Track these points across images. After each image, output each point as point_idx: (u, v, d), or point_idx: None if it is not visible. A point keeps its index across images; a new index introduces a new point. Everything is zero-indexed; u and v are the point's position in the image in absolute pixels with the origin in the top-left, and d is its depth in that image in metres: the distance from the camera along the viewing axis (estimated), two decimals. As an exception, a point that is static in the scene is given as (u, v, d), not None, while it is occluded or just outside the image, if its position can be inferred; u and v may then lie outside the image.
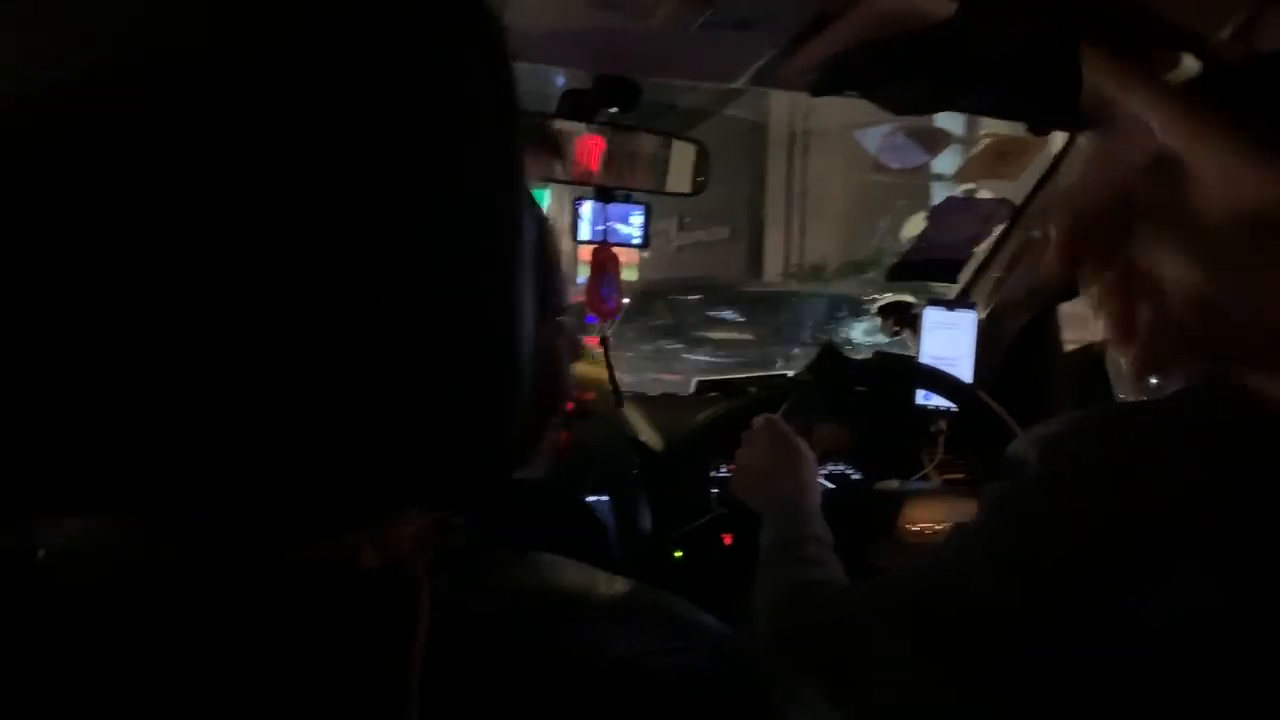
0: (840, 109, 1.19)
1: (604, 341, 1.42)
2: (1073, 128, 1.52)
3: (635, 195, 1.32)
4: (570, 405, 1.46)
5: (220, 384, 0.31)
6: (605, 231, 1.28)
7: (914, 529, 1.38)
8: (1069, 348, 1.83)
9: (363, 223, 0.32)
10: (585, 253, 1.34)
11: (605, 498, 1.47)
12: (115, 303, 0.30)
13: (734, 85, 1.17)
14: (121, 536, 0.36)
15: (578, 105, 1.19)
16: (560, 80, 1.24)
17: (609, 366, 1.47)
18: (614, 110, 1.21)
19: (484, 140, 0.36)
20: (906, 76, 1.16)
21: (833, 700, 0.81)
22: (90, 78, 0.29)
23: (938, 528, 1.37)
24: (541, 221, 0.46)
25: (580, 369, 1.47)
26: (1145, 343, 0.81)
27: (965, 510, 1.37)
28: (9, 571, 0.35)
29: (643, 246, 1.35)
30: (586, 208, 1.28)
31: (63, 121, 0.29)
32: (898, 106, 1.23)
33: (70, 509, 0.35)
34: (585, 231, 1.30)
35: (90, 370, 0.30)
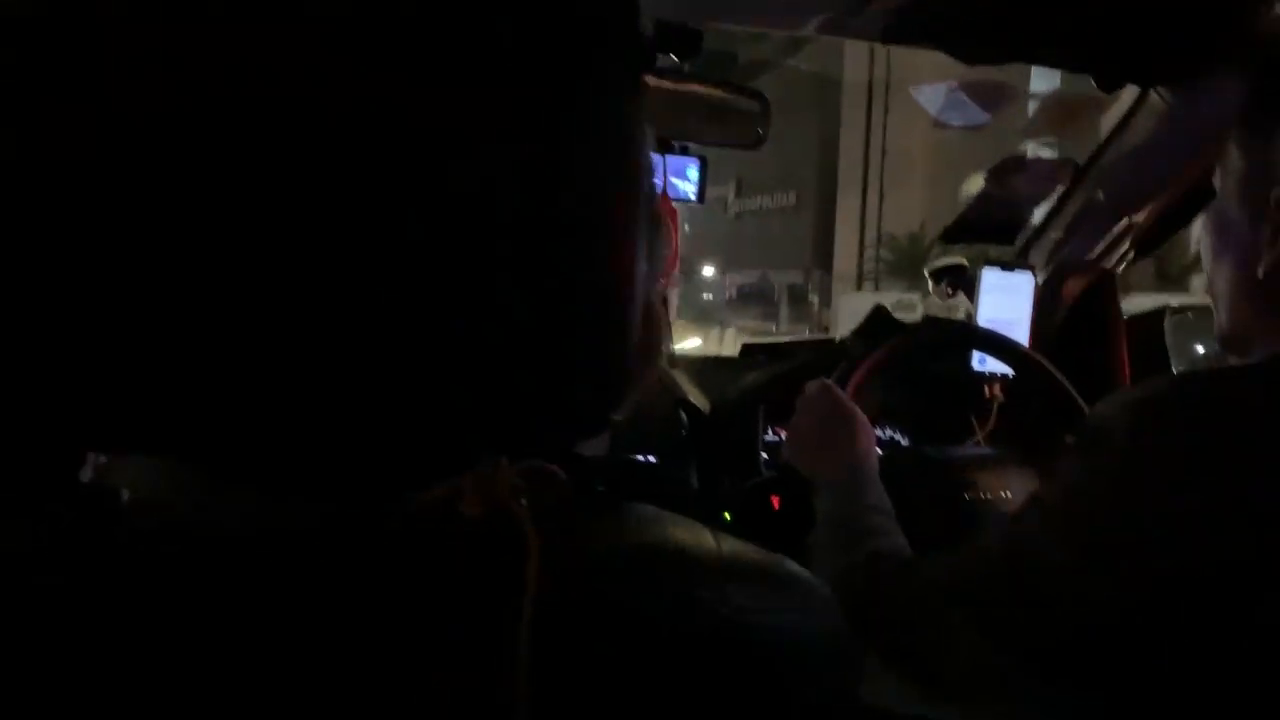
0: (930, 55, 1.14)
1: (663, 300, 1.40)
2: (1145, 84, 1.46)
3: (693, 148, 1.28)
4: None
5: (323, 332, 0.30)
6: (665, 185, 1.25)
7: (967, 497, 1.35)
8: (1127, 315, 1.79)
9: (473, 165, 0.31)
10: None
11: (652, 459, 1.45)
12: (210, 254, 0.29)
13: (801, 34, 1.13)
14: (208, 489, 0.35)
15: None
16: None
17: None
18: (674, 58, 1.17)
19: (612, 70, 0.35)
20: (978, 26, 1.12)
21: (903, 672, 0.79)
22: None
23: (991, 495, 1.35)
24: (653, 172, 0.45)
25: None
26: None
27: (1019, 477, 1.35)
28: (92, 511, 0.34)
29: (699, 201, 1.31)
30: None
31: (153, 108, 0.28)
32: (971, 57, 1.18)
33: (150, 450, 0.34)
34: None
35: (178, 313, 0.29)
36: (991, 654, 0.72)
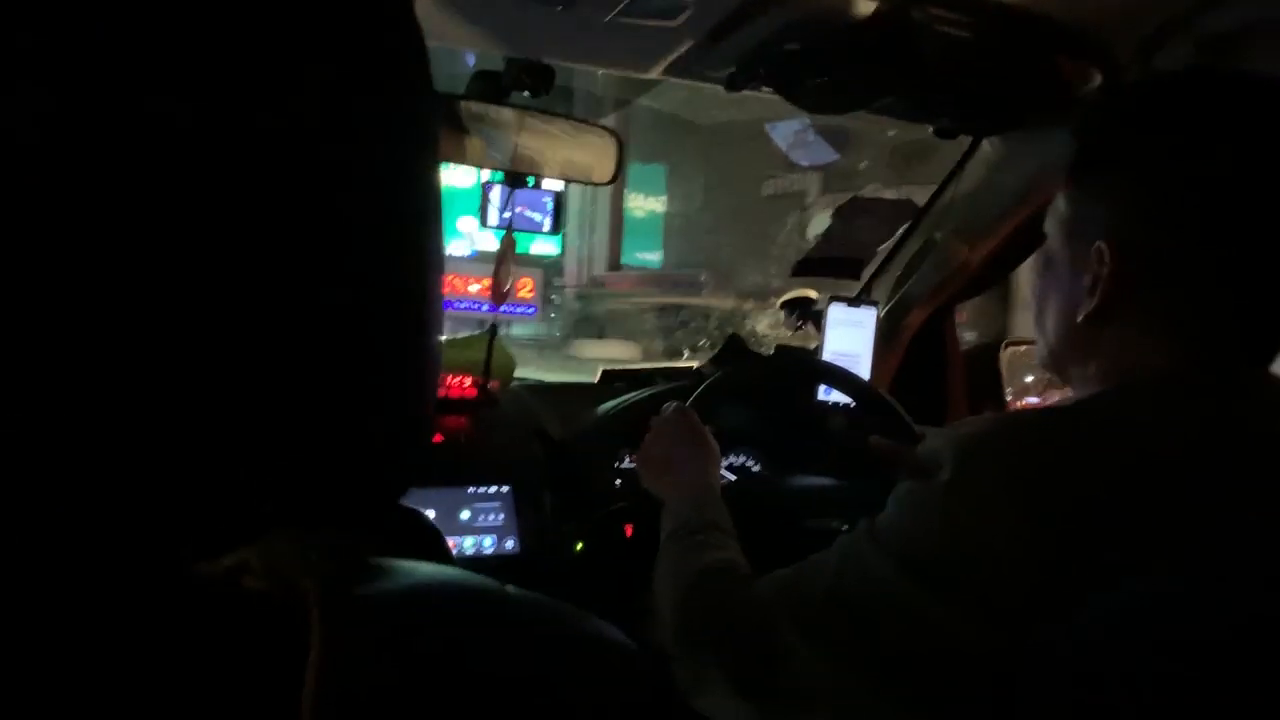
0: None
1: (493, 329, 1.40)
2: (976, 133, 1.56)
3: (547, 181, 1.29)
4: (474, 393, 1.43)
5: (104, 390, 0.29)
6: (512, 218, 1.25)
7: (809, 524, 1.40)
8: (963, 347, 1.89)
9: (268, 224, 0.30)
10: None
11: (506, 487, 1.45)
12: None
13: (647, 76, 1.16)
14: None
15: (489, 87, 1.16)
16: (470, 60, 1.20)
17: (489, 354, 1.43)
18: (526, 94, 1.18)
19: (400, 138, 0.34)
20: (821, 77, 1.17)
21: (738, 687, 0.81)
22: None
23: (833, 524, 1.40)
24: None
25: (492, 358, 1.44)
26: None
27: (857, 505, 1.41)
28: None
29: (553, 232, 1.33)
30: (495, 192, 1.25)
31: None
32: (811, 105, 1.23)
33: None
34: (493, 217, 1.26)
35: None
36: (821, 668, 0.75)
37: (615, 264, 11.86)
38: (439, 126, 0.37)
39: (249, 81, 0.30)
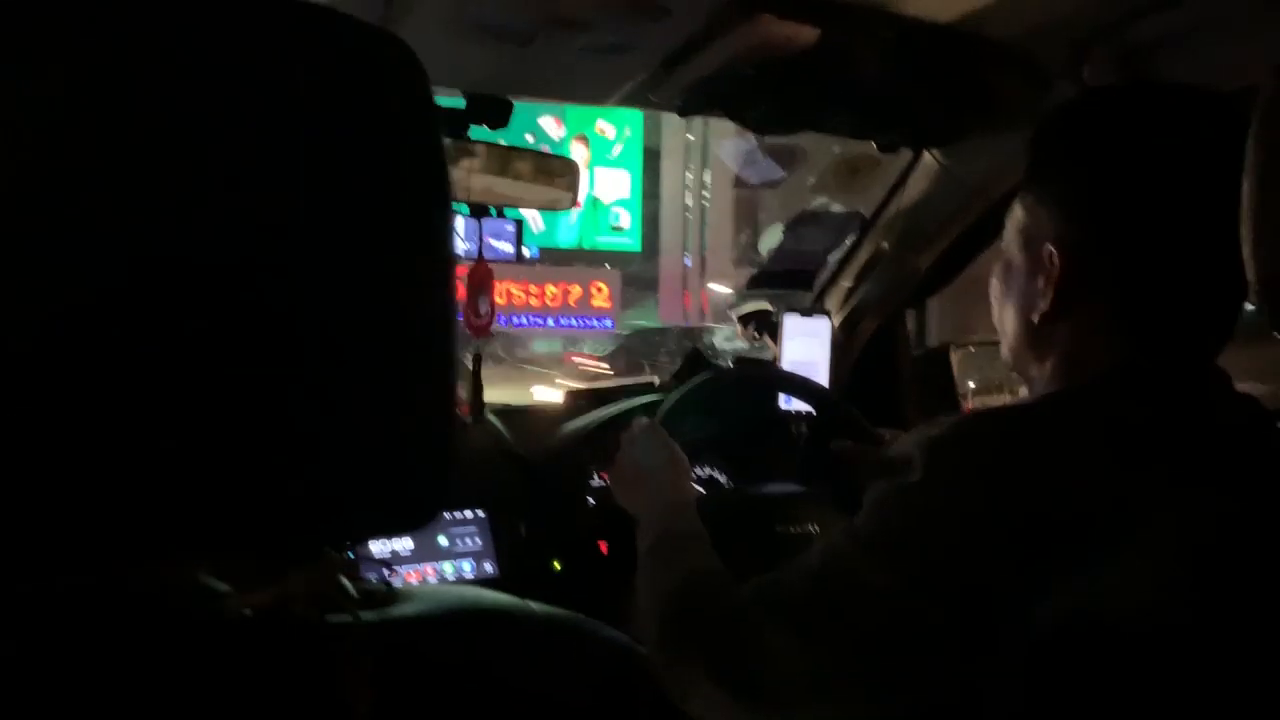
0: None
1: (477, 358, 1.43)
2: (916, 147, 1.62)
3: (509, 211, 1.33)
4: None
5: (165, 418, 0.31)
6: (480, 248, 1.29)
7: (781, 530, 1.44)
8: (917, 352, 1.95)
9: (336, 262, 0.34)
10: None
11: (481, 512, 1.47)
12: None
13: (604, 105, 1.20)
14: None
15: (450, 122, 1.19)
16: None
17: (476, 380, 1.45)
18: (484, 127, 1.21)
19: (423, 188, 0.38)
20: (768, 100, 1.22)
21: (726, 689, 0.84)
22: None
23: (804, 529, 1.43)
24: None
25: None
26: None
27: (825, 510, 1.45)
28: None
29: (517, 260, 1.36)
30: (460, 224, 1.29)
31: None
32: (760, 127, 1.29)
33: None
34: (459, 249, 1.30)
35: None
36: (807, 664, 0.79)
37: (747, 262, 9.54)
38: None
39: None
